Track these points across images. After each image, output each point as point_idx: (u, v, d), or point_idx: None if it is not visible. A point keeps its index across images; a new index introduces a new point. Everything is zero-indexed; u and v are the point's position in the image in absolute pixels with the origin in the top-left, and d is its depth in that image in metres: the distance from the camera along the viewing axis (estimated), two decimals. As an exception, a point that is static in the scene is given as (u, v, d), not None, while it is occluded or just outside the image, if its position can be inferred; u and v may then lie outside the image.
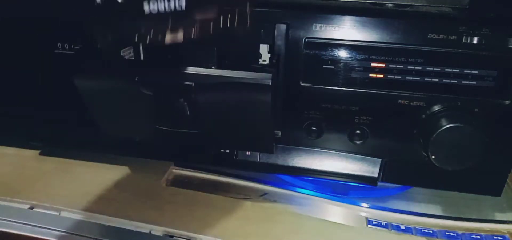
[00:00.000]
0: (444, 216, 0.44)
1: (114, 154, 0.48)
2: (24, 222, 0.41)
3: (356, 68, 0.38)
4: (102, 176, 0.48)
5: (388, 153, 0.42)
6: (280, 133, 0.43)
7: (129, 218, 0.41)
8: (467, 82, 0.37)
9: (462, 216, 0.44)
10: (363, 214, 0.44)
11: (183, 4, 0.28)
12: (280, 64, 0.39)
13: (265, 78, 0.33)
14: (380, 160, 0.43)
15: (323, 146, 0.43)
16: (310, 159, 0.44)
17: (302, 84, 0.40)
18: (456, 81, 0.37)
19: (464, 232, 0.41)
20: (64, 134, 0.47)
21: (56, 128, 0.47)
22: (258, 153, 0.45)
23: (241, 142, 0.41)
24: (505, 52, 0.36)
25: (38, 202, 0.43)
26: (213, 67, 0.35)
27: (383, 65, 0.38)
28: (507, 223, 0.43)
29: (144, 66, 0.38)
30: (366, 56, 0.38)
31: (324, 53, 0.38)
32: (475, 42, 0.36)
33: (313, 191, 0.47)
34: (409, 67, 0.37)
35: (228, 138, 0.40)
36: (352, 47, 0.38)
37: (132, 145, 0.44)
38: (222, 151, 0.45)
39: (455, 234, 0.41)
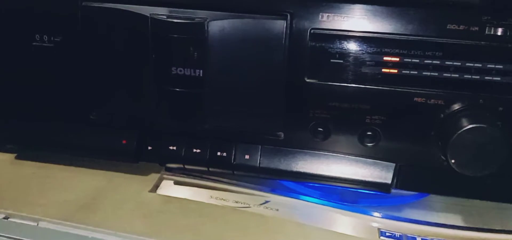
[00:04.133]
0: (465, 226, 0.42)
1: (99, 157, 0.47)
2: (-2, 233, 0.40)
3: (367, 63, 0.37)
4: (85, 182, 0.46)
5: (402, 157, 0.41)
6: (282, 135, 0.42)
7: (115, 229, 0.39)
8: (491, 78, 0.36)
9: (484, 227, 0.42)
10: (375, 224, 0.43)
11: None
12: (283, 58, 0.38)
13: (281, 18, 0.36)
14: (394, 164, 0.42)
15: (330, 149, 0.42)
16: (316, 164, 0.43)
17: (307, 81, 0.39)
18: (478, 77, 0.36)
19: (486, 244, 0.40)
20: (44, 136, 0.46)
21: (34, 129, 0.46)
22: (258, 157, 0.44)
23: (246, 108, 0.41)
24: (533, 44, 0.36)
25: (13, 211, 0.41)
26: None
27: (397, 59, 0.37)
28: (533, 235, 0.42)
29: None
30: (379, 49, 0.37)
31: (331, 45, 0.38)
32: (499, 33, 0.35)
33: (319, 199, 0.46)
34: (426, 61, 0.37)
35: (233, 98, 0.40)
36: (363, 39, 0.37)
37: (119, 148, 0.43)
38: (218, 154, 0.44)
39: (476, 247, 0.40)
